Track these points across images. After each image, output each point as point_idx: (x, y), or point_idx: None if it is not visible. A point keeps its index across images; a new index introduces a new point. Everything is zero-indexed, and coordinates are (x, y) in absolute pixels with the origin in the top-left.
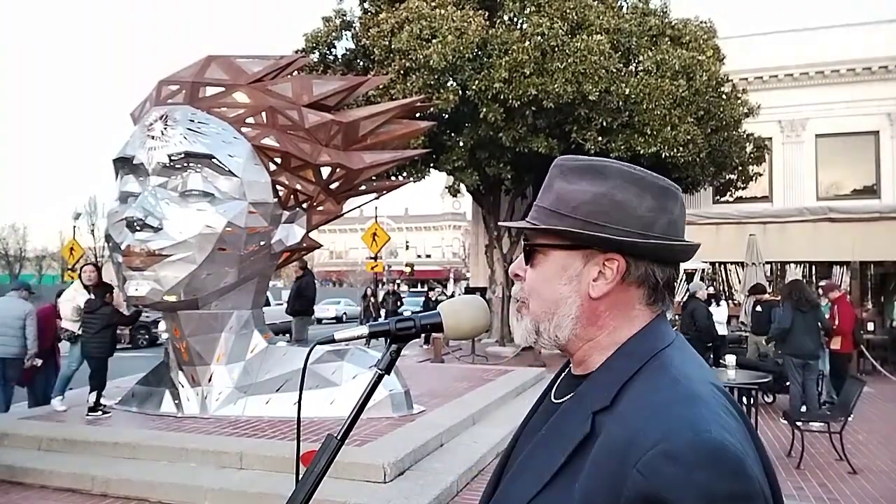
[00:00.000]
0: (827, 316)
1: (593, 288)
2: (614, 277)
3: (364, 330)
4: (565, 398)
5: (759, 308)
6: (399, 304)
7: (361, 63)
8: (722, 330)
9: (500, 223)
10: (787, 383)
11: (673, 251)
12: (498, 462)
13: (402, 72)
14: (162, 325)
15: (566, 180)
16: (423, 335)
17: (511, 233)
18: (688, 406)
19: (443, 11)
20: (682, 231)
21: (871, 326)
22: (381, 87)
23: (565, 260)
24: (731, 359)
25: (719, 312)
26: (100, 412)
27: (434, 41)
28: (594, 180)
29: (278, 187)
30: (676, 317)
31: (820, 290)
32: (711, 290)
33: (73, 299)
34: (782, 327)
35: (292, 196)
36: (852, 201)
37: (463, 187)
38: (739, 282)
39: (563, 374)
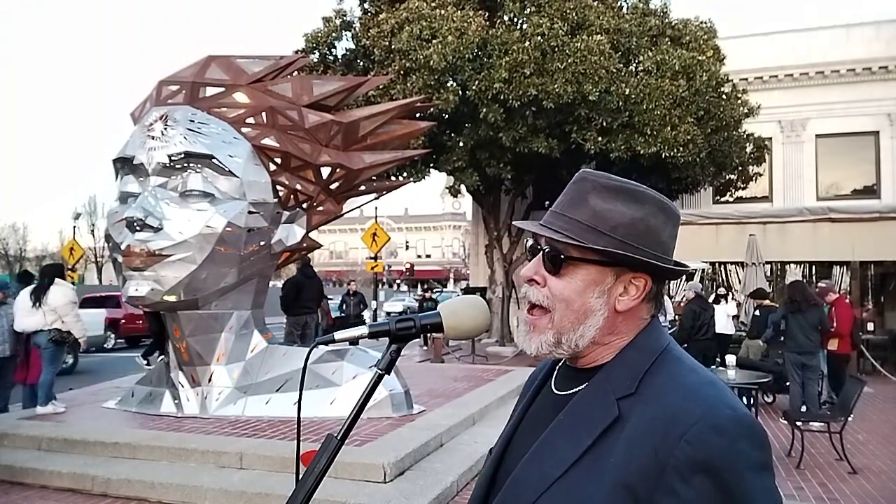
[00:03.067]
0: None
1: (619, 302)
2: (640, 294)
3: (364, 330)
4: (575, 389)
5: (757, 313)
6: (362, 307)
7: (361, 63)
8: (729, 328)
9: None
10: (788, 383)
11: (679, 272)
12: (493, 453)
13: (402, 72)
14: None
15: (601, 198)
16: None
17: (511, 232)
18: (715, 388)
19: (443, 12)
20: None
21: (870, 327)
22: (381, 87)
23: (598, 275)
24: (731, 359)
25: (723, 311)
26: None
27: (434, 41)
28: (630, 203)
29: (278, 187)
30: (677, 317)
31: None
32: (722, 290)
33: (76, 301)
34: (773, 327)
35: (292, 196)
36: (852, 201)
37: (463, 187)
38: (739, 282)
39: (557, 368)
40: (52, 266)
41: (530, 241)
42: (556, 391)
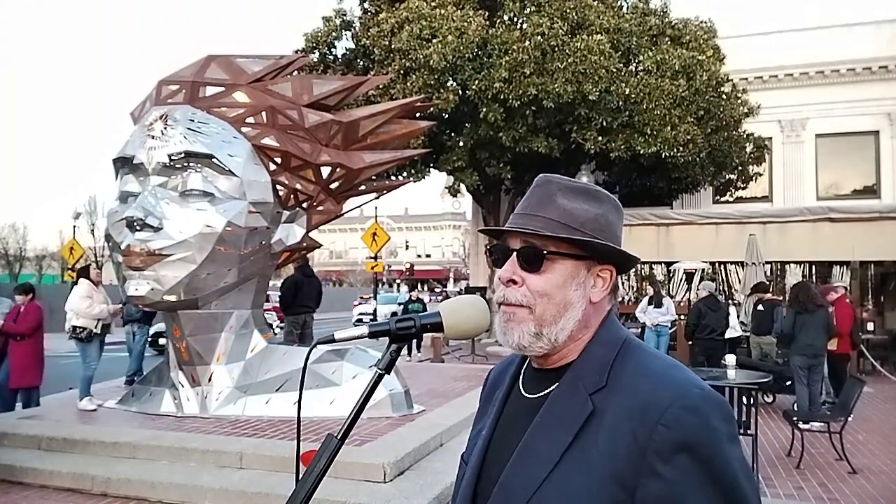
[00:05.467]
0: None
1: (593, 293)
2: (608, 284)
3: (364, 330)
4: (546, 390)
5: (760, 307)
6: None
7: (361, 63)
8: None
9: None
10: (788, 383)
11: (636, 264)
12: (472, 461)
13: (402, 72)
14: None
15: (567, 198)
16: (415, 343)
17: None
18: (680, 370)
19: (443, 11)
20: None
21: (870, 326)
22: (381, 86)
23: (574, 268)
24: (731, 359)
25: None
26: None
27: (434, 41)
28: (592, 202)
29: (278, 187)
30: (682, 317)
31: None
32: (717, 289)
33: (90, 298)
34: (785, 332)
35: (292, 196)
36: (852, 201)
37: (463, 187)
38: (739, 282)
39: (522, 371)
40: (79, 269)
41: (487, 244)
42: (526, 395)
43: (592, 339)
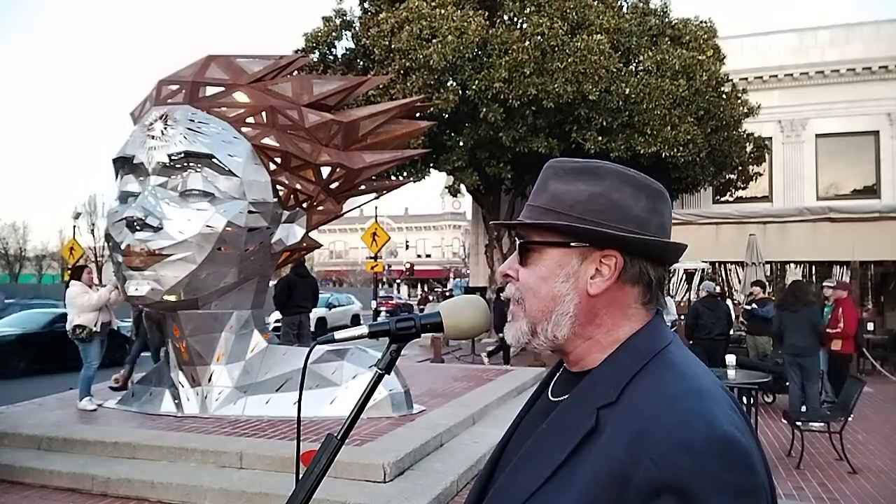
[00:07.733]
0: (829, 317)
1: (591, 285)
2: (612, 274)
3: (364, 330)
4: (564, 395)
5: (754, 306)
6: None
7: (361, 63)
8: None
9: (492, 222)
10: (787, 383)
11: (666, 250)
12: (489, 457)
13: (402, 72)
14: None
15: (561, 181)
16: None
17: (511, 232)
18: (698, 399)
19: (443, 11)
20: (669, 233)
21: (870, 326)
22: (381, 86)
23: (561, 258)
24: (731, 359)
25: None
26: None
27: (434, 41)
28: (589, 181)
29: (278, 187)
30: (681, 317)
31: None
32: (717, 289)
33: (87, 293)
34: (773, 331)
35: (292, 196)
36: (852, 201)
37: (463, 187)
38: (739, 282)
39: (558, 373)
40: (72, 271)
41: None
42: (550, 397)
43: (622, 346)
